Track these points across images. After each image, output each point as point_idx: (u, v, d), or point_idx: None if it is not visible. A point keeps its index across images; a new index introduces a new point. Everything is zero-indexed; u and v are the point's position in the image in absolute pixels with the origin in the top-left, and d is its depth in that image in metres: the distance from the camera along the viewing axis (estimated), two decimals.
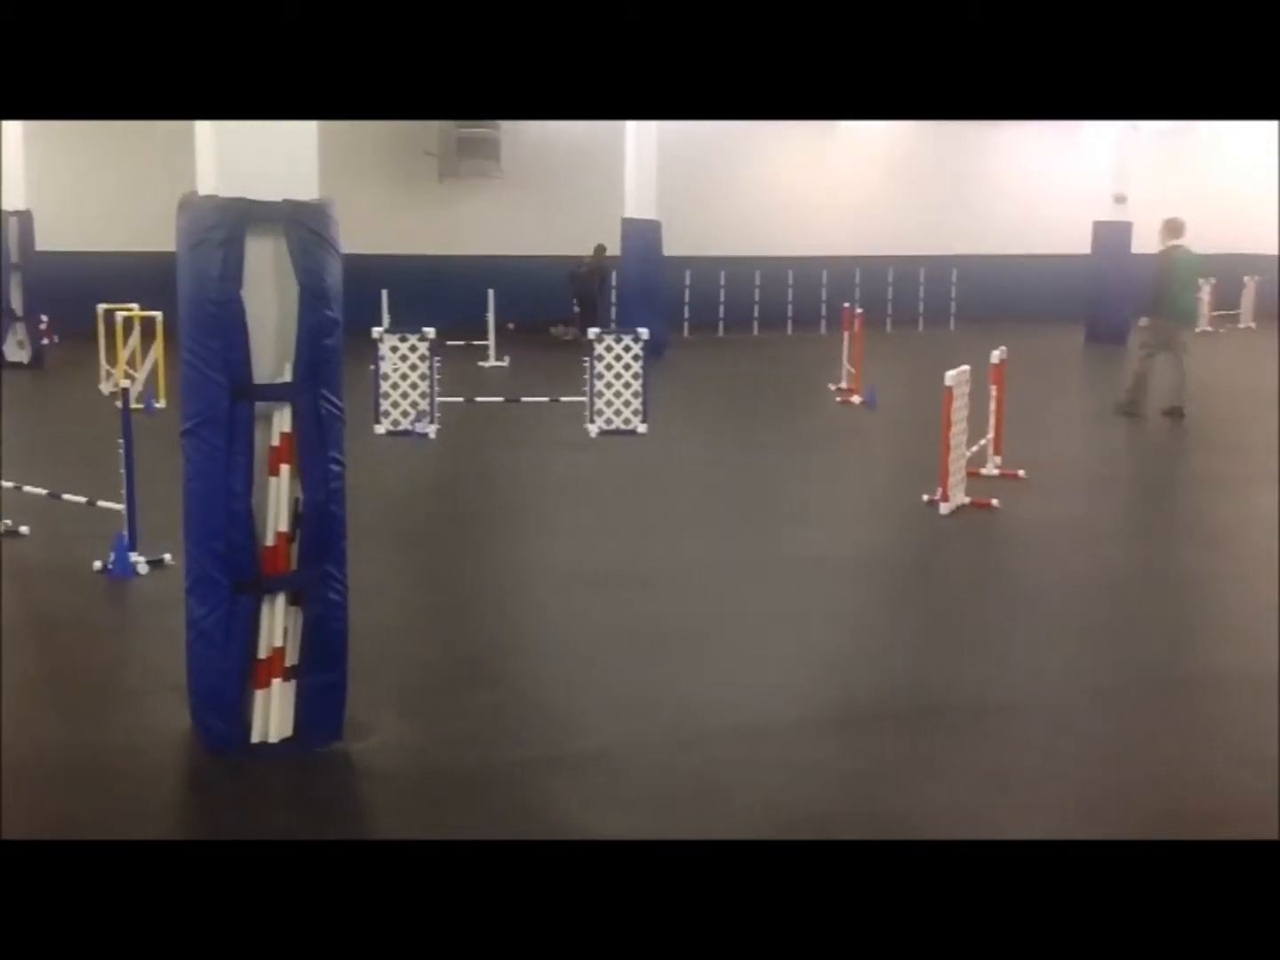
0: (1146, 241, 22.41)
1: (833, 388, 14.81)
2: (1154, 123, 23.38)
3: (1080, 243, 21.88)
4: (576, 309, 20.86)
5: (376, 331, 12.02)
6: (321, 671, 4.84)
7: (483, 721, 5.27)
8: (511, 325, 18.10)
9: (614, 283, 20.56)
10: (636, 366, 12.01)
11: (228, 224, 4.52)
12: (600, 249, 21.15)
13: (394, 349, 11.86)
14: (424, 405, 11.86)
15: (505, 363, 16.73)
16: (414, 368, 11.85)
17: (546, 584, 7.33)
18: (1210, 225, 27.06)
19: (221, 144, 4.62)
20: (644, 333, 12.11)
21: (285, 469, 4.71)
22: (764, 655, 6.11)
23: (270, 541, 4.73)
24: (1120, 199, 21.36)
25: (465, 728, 5.20)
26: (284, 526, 4.73)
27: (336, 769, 4.80)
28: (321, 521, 4.75)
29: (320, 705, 4.86)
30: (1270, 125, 26.21)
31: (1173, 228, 13.58)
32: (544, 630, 6.59)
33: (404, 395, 11.84)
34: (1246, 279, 24.99)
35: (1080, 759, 5.02)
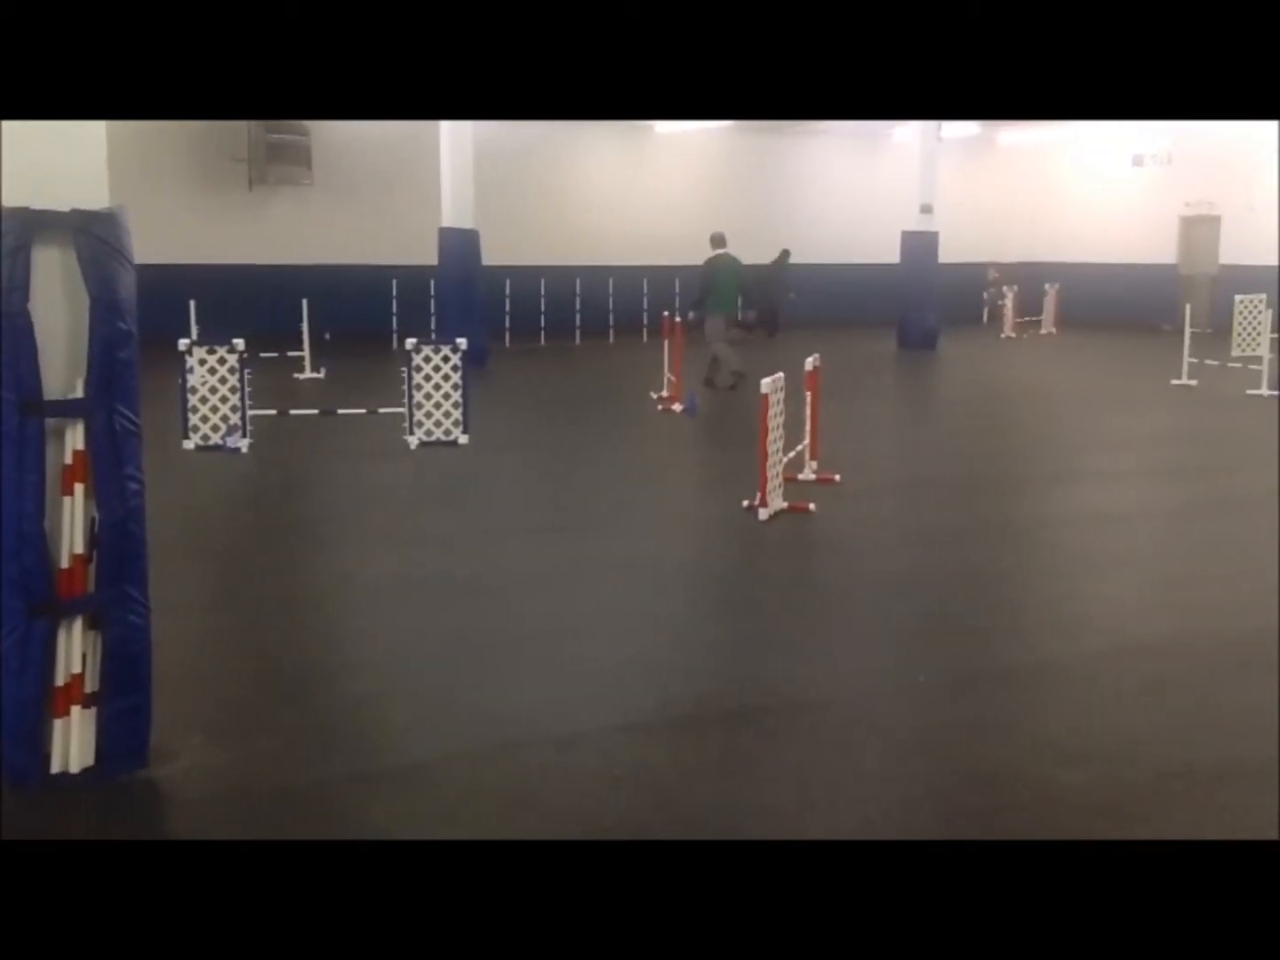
0: (954, 251, 23.26)
1: (654, 396, 14.93)
2: (959, 134, 24.22)
3: (893, 251, 22.47)
4: (754, 312, 21.36)
5: (183, 343, 11.66)
6: (123, 696, 4.67)
7: (293, 739, 5.15)
8: (328, 335, 17.81)
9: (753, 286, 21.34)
10: (456, 377, 11.91)
11: (13, 233, 4.33)
12: (785, 254, 21.98)
13: (202, 361, 11.53)
14: (235, 419, 11.56)
15: (321, 374, 16.44)
16: (224, 380, 11.53)
17: (361, 597, 7.20)
18: (1013, 234, 28.27)
19: (3, 149, 4.42)
20: (463, 343, 12.03)
21: (79, 488, 4.54)
22: (582, 661, 6.11)
23: (65, 563, 4.54)
24: (926, 209, 22.01)
25: (275, 747, 5.07)
26: (80, 548, 4.56)
27: (141, 796, 4.62)
28: (119, 541, 4.59)
29: (123, 731, 4.68)
30: (1070, 136, 27.37)
31: (716, 239, 16.15)
32: (357, 643, 6.47)
33: (214, 409, 11.53)
34: (1047, 286, 26.00)
35: (892, 755, 5.13)
